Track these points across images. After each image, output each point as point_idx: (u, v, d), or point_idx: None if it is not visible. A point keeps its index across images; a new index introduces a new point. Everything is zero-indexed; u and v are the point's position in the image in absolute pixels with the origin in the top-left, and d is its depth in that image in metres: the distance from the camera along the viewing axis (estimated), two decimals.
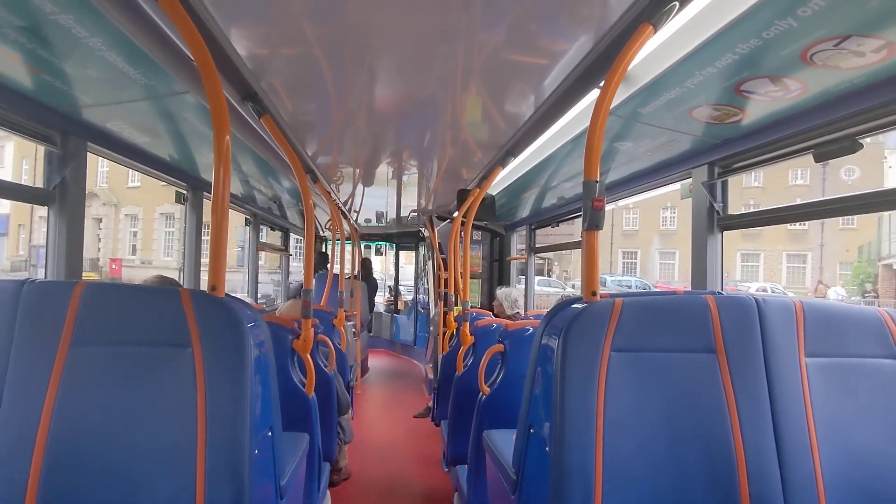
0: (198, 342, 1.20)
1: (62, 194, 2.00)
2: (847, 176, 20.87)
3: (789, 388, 1.23)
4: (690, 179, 2.36)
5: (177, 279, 2.09)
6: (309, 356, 2.34)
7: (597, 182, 1.35)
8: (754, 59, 1.43)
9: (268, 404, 1.37)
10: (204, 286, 1.58)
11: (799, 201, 2.01)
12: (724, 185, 2.23)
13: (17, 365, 1.17)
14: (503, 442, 1.84)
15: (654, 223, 27.38)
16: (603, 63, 1.64)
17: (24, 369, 1.17)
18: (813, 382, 1.25)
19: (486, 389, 2.46)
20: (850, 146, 1.63)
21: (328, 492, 2.89)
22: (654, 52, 1.53)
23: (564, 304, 1.41)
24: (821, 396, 1.24)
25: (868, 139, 1.62)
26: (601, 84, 1.72)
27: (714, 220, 2.24)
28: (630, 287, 22.71)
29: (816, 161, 1.74)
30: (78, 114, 1.97)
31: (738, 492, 1.18)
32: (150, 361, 1.20)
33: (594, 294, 1.34)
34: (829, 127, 1.67)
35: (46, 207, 2.00)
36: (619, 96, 1.77)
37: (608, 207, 3.57)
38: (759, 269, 24.53)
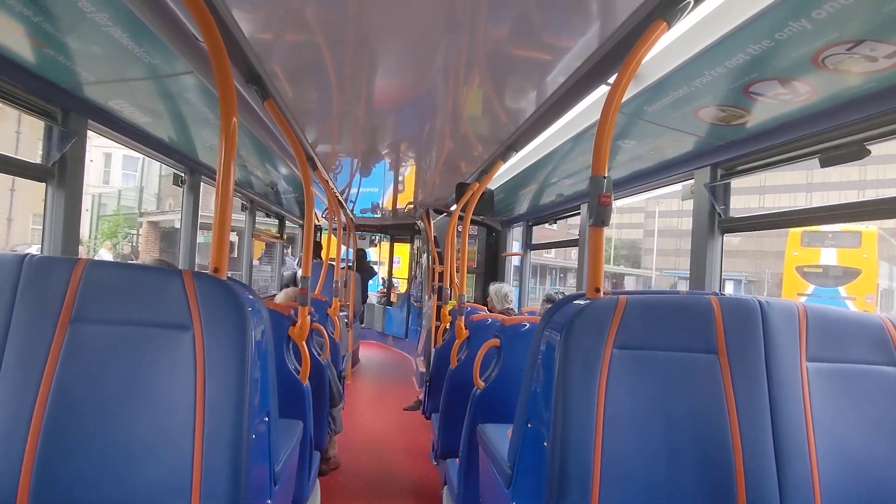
0: (199, 324, 1.19)
1: (61, 171, 1.98)
2: None
3: (789, 392, 1.23)
4: (692, 181, 2.36)
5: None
6: (304, 344, 2.33)
7: (604, 178, 1.34)
8: (765, 61, 1.42)
9: (266, 390, 1.35)
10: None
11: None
12: (727, 188, 2.23)
13: (15, 339, 1.15)
14: (497, 436, 1.84)
15: None
16: (612, 59, 1.63)
17: (23, 344, 1.16)
18: (813, 387, 1.24)
19: (481, 384, 2.46)
20: (858, 152, 1.62)
21: (318, 480, 2.89)
22: (663, 49, 1.52)
23: (566, 300, 1.41)
24: (820, 401, 1.24)
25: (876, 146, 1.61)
26: (610, 80, 1.71)
27: (715, 222, 2.24)
28: None
29: (822, 166, 1.74)
30: (80, 90, 1.94)
31: (734, 494, 1.18)
32: (150, 342, 1.18)
33: (597, 290, 1.34)
34: (836, 132, 1.67)
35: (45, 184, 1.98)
36: (626, 94, 1.77)
37: None
38: None
